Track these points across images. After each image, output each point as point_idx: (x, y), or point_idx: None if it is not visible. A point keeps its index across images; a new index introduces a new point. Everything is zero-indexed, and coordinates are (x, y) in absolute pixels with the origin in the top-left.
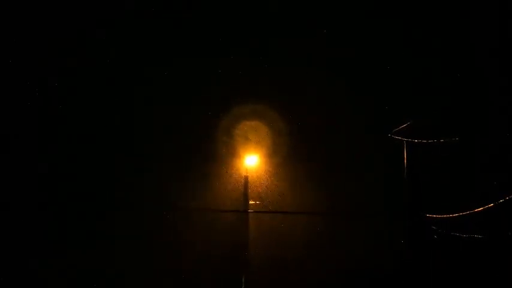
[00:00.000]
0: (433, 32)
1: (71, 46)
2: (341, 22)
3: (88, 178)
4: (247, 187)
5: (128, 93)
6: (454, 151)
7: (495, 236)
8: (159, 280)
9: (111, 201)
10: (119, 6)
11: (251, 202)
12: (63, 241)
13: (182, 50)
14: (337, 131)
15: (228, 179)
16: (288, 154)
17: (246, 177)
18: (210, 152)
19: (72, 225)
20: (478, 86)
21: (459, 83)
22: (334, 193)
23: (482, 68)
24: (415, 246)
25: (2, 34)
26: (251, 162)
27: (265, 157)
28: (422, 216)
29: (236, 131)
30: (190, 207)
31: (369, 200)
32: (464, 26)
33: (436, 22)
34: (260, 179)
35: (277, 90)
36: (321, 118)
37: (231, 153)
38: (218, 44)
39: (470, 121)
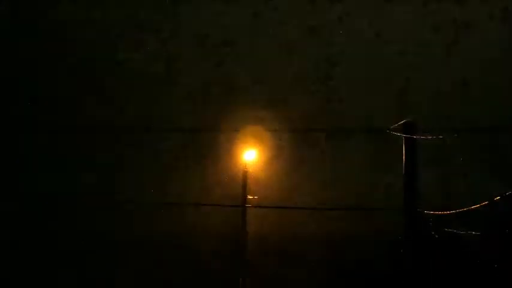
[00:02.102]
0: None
1: (71, 46)
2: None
3: (88, 178)
4: (246, 182)
5: (128, 93)
6: (451, 148)
7: (493, 234)
8: (157, 278)
9: (111, 201)
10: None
11: (249, 197)
12: (64, 241)
13: (182, 49)
14: (336, 128)
15: (226, 174)
16: (286, 150)
17: (245, 172)
18: (209, 148)
19: (72, 225)
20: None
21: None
22: (334, 189)
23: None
24: (414, 244)
25: (1, 34)
26: (250, 157)
27: (263, 152)
28: (420, 213)
29: (236, 129)
30: (188, 203)
31: (368, 196)
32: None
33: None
34: (259, 174)
35: (276, 88)
36: (321, 116)
37: (230, 149)
38: (218, 44)
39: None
